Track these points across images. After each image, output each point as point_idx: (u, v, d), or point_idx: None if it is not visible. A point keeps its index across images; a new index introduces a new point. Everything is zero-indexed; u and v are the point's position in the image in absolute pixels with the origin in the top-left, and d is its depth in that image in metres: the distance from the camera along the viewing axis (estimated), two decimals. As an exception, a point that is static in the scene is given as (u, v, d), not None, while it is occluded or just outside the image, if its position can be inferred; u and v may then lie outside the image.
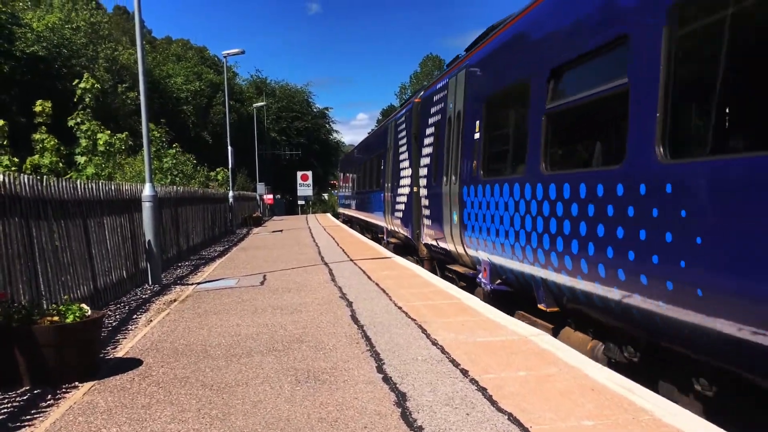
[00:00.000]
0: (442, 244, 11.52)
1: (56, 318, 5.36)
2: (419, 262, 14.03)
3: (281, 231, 26.54)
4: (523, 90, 7.46)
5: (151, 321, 7.91)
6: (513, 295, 8.37)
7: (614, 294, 5.33)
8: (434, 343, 6.05)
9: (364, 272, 11.49)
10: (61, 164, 14.20)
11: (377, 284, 9.95)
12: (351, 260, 13.69)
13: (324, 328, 6.95)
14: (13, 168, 11.74)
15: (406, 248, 16.00)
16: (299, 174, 55.32)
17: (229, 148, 28.55)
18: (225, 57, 30.88)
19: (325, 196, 74.64)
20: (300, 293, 9.44)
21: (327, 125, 73.94)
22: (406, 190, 14.76)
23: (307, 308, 8.18)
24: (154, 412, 4.45)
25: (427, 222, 12.58)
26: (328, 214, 48.60)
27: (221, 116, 49.12)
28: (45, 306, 6.30)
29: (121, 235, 10.30)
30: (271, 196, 49.06)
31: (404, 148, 15.37)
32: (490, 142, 9.00)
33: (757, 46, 4.07)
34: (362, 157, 25.89)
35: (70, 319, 5.36)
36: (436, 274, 11.74)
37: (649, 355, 5.38)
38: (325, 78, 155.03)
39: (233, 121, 40.43)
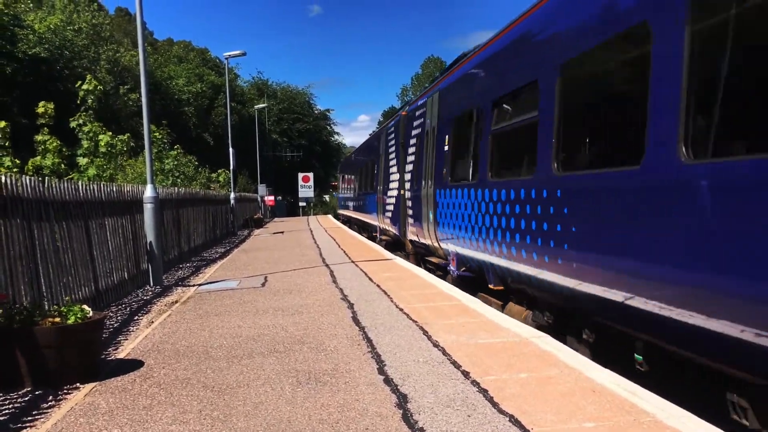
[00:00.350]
0: (422, 240, 13.25)
1: (57, 319, 5.36)
2: (406, 256, 15.41)
3: (282, 233, 26.55)
4: (474, 114, 9.46)
5: (152, 322, 7.92)
6: (474, 280, 9.90)
7: (533, 271, 7.03)
8: (435, 344, 6.05)
9: (366, 274, 11.49)
10: (63, 165, 14.20)
11: (378, 286, 9.95)
12: (352, 262, 13.69)
13: (325, 329, 6.95)
14: (15, 169, 11.75)
15: (396, 245, 17.48)
16: (300, 175, 55.32)
17: (231, 149, 28.58)
18: (226, 59, 30.91)
19: (327, 197, 74.68)
20: (301, 295, 9.44)
21: (328, 127, 74.10)
22: (395, 193, 16.52)
23: (308, 310, 8.18)
24: (155, 414, 4.45)
25: (410, 221, 14.35)
26: (329, 216, 48.59)
27: (222, 118, 49.22)
28: (46, 307, 6.31)
29: (122, 236, 10.31)
30: (272, 198, 49.09)
31: (393, 156, 17.19)
32: (456, 154, 10.69)
33: (603, 97, 6.23)
34: (358, 163, 28.10)
35: (71, 321, 5.36)
36: (420, 267, 13.00)
37: (559, 317, 7.01)
38: (327, 79, 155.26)
39: (234, 123, 40.46)
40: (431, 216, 11.91)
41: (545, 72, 6.76)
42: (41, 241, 7.13)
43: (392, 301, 8.56)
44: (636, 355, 5.43)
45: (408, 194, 14.64)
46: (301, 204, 56.42)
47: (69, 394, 5.04)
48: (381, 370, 5.24)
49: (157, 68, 49.97)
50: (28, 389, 5.12)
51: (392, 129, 17.83)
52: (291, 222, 38.35)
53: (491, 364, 5.31)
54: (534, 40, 7.47)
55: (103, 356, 6.08)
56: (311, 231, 26.69)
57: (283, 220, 41.56)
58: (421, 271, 11.75)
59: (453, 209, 10.28)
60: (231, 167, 29.33)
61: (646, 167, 4.84)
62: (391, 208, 17.39)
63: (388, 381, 4.94)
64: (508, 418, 4.06)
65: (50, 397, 4.94)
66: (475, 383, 4.80)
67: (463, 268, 10.17)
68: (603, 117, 6.21)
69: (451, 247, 10.66)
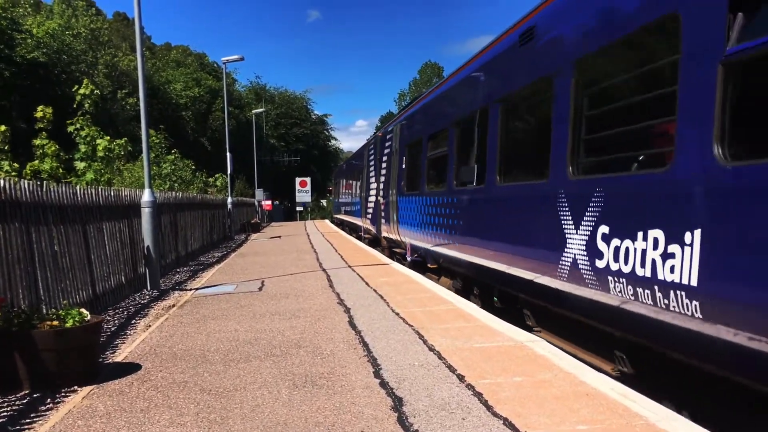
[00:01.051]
0: (391, 236, 16.88)
1: (56, 322, 5.40)
2: (382, 250, 18.89)
3: (279, 237, 26.58)
4: (419, 143, 13.07)
5: (149, 326, 7.95)
6: (421, 263, 13.35)
7: (445, 251, 10.66)
8: (431, 348, 6.10)
9: (362, 278, 11.53)
10: (60, 170, 14.22)
11: (375, 290, 10.00)
12: (349, 266, 13.73)
13: (322, 333, 6.99)
14: (13, 173, 11.77)
15: (375, 241, 21.13)
16: (298, 180, 55.30)
17: (228, 154, 28.61)
18: (224, 63, 30.94)
19: (324, 202, 74.64)
20: (298, 299, 9.48)
21: (326, 132, 74.23)
22: (373, 199, 20.30)
23: (305, 314, 8.22)
24: (152, 416, 4.48)
25: (383, 221, 17.95)
26: (327, 221, 48.59)
27: (220, 122, 49.23)
28: (44, 311, 6.35)
29: (120, 240, 10.34)
30: (269, 202, 49.04)
31: (372, 168, 20.98)
32: (409, 171, 14.39)
33: (474, 144, 9.17)
34: (348, 171, 32.49)
35: (69, 324, 5.40)
36: (393, 259, 15.83)
37: (464, 282, 10.34)
38: (325, 85, 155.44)
39: (232, 127, 40.48)
40: (395, 217, 15.69)
41: (450, 123, 10.51)
42: (39, 245, 7.16)
43: (388, 305, 8.60)
44: (494, 297, 8.94)
45: (381, 200, 18.36)
46: (299, 209, 56.40)
47: (67, 396, 5.07)
48: (377, 374, 5.28)
49: (155, 73, 50.03)
50: (27, 392, 5.15)
51: (372, 146, 21.68)
52: (288, 227, 38.37)
53: (486, 368, 5.35)
54: (446, 100, 11.38)
55: (100, 359, 6.11)
56: (308, 236, 26.72)
57: (280, 225, 41.57)
58: (418, 276, 11.79)
59: (408, 212, 14.01)
60: (228, 172, 29.37)
61: (487, 185, 8.35)
62: (371, 211, 21.25)
63: (383, 384, 4.98)
64: (502, 421, 4.11)
65: (48, 400, 4.97)
66: (470, 387, 4.85)
67: (415, 255, 13.78)
68: (473, 155, 9.35)
69: (407, 240, 14.41)
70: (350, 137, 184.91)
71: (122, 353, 6.49)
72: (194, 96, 52.67)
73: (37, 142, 14.16)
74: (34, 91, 30.89)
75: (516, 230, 7.38)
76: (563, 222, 5.95)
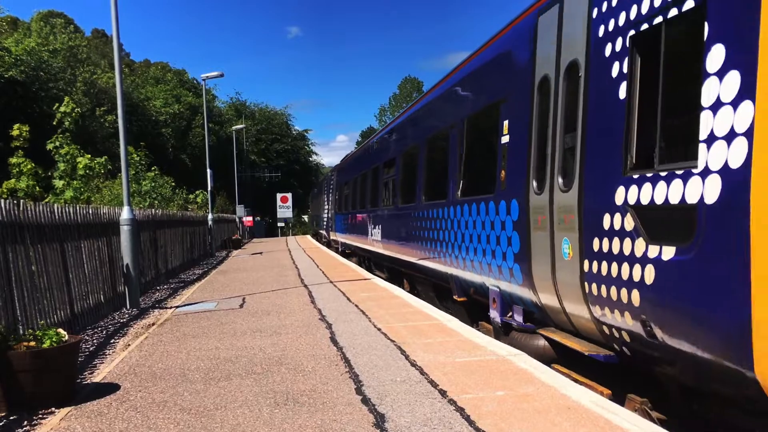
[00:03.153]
0: (334, 238, 28.12)
1: (33, 343, 5.33)
2: (331, 248, 29.20)
3: (261, 253, 26.46)
4: (344, 185, 24.79)
5: (128, 345, 7.86)
6: (345, 252, 24.70)
7: (350, 243, 22.79)
8: (413, 364, 6.09)
9: (344, 294, 11.51)
10: (38, 188, 14.08)
11: (357, 306, 9.97)
12: (331, 282, 13.70)
13: (303, 350, 6.96)
14: (-12, 192, 11.63)
15: (329, 243, 31.38)
16: (279, 196, 55.21)
17: (208, 170, 28.50)
18: (204, 80, 30.91)
19: (305, 218, 74.46)
20: (279, 316, 9.43)
21: (306, 147, 74.07)
22: (327, 214, 32.18)
23: (286, 331, 8.17)
24: (131, 437, 4.42)
25: (331, 230, 29.30)
26: (308, 236, 48.44)
27: (200, 139, 48.96)
28: (21, 331, 6.25)
29: (98, 258, 10.23)
30: (250, 219, 48.84)
31: (326, 194, 32.57)
32: (339, 199, 25.86)
33: (355, 190, 21.88)
34: (317, 195, 42.92)
35: (46, 344, 5.33)
36: (340, 255, 24.50)
37: (360, 259, 22.04)
38: (305, 100, 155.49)
39: (212, 144, 40.33)
40: (334, 227, 27.45)
41: (351, 179, 21.98)
42: (16, 265, 7.06)
43: (370, 320, 8.59)
44: (371, 265, 19.24)
45: (331, 216, 29.20)
46: (280, 224, 56.21)
47: (44, 418, 4.99)
48: (359, 390, 5.26)
49: (134, 90, 49.76)
50: (3, 414, 5.07)
51: (326, 180, 34.51)
52: (270, 243, 38.21)
53: (468, 383, 5.35)
54: (350, 165, 23.57)
55: (79, 380, 6.02)
56: (290, 251, 26.64)
57: (261, 241, 41.38)
58: (400, 291, 11.79)
59: (338, 223, 25.32)
60: (209, 188, 29.24)
61: (356, 210, 20.81)
62: (325, 223, 33.35)
63: (365, 401, 4.97)
64: (484, 436, 4.11)
65: (25, 422, 4.89)
66: (452, 402, 4.85)
67: (342, 247, 24.48)
68: (355, 196, 21.12)
69: (340, 239, 25.41)
70: (331, 152, 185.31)
71: (101, 373, 6.40)
72: (174, 113, 52.35)
73: (13, 160, 14.02)
74: (12, 109, 30.56)
75: (362, 230, 17.62)
76: (369, 226, 17.22)
